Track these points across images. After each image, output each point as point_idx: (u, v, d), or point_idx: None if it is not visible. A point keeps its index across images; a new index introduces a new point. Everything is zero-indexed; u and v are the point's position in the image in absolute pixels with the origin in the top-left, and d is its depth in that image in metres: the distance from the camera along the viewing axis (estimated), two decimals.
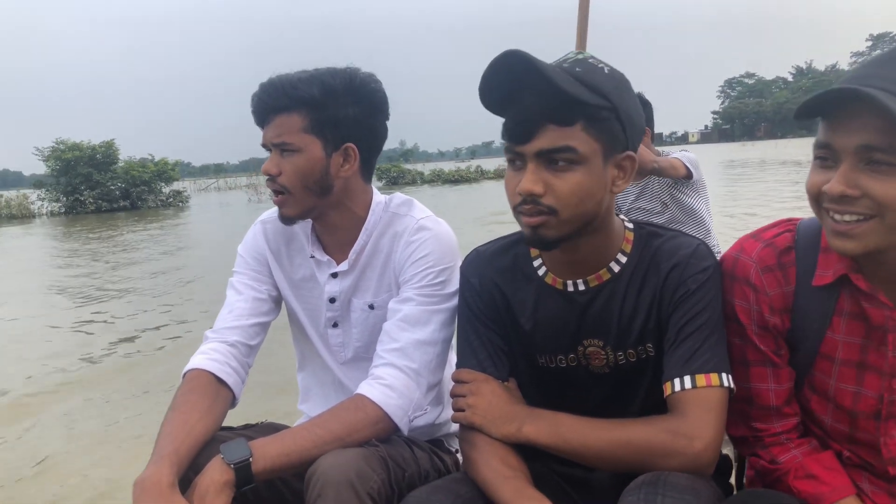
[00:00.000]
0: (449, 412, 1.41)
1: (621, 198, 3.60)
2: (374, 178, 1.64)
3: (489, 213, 14.75)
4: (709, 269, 1.23)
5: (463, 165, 43.63)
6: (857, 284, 1.14)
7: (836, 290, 1.18)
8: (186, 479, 1.24)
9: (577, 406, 1.27)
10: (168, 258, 11.69)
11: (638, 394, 1.33)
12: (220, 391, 1.44)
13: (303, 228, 1.62)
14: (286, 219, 1.52)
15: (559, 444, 1.21)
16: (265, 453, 1.25)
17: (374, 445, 1.31)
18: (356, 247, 1.56)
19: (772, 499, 1.12)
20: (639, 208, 3.55)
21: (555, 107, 1.10)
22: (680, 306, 1.23)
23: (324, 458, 1.23)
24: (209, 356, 1.47)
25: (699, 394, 1.17)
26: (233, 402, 1.49)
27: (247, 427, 1.51)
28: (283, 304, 1.70)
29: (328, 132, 1.46)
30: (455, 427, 1.59)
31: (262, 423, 1.58)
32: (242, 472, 1.22)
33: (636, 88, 1.25)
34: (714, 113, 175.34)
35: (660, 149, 3.45)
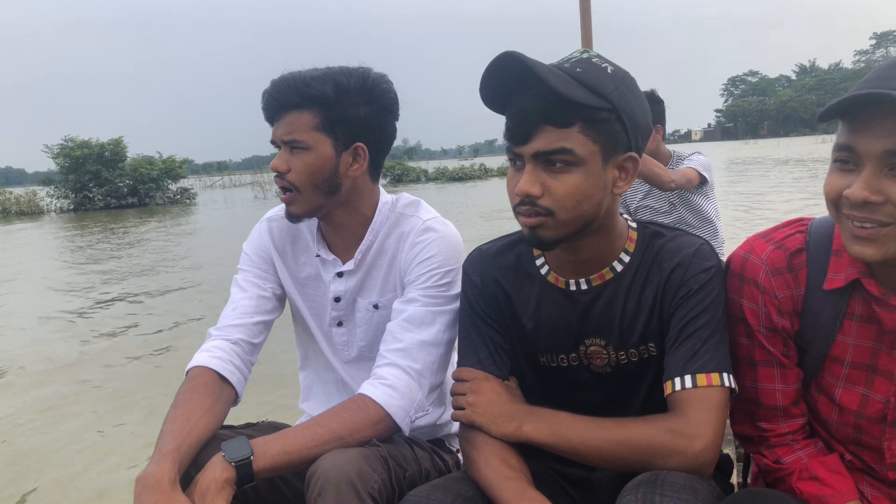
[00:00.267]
0: (450, 412, 1.41)
1: (629, 197, 3.59)
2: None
3: (495, 211, 14.75)
4: (711, 269, 1.22)
5: (466, 163, 43.44)
6: (870, 290, 1.12)
7: (847, 293, 1.17)
8: (188, 477, 1.24)
9: (578, 405, 1.26)
10: (193, 252, 11.65)
11: (639, 394, 1.32)
12: (223, 389, 1.44)
13: (308, 227, 1.62)
14: (293, 217, 1.52)
15: (559, 443, 1.20)
16: (266, 452, 1.25)
17: (375, 445, 1.31)
18: (362, 246, 1.56)
19: (770, 498, 1.11)
20: (647, 207, 3.54)
21: (551, 108, 1.10)
22: (682, 306, 1.22)
23: (324, 458, 1.23)
24: (212, 354, 1.47)
25: (700, 393, 1.16)
26: (235, 399, 1.50)
27: (248, 426, 1.51)
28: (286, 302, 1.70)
29: (339, 131, 1.45)
30: (456, 427, 1.59)
31: (263, 421, 1.58)
32: (243, 470, 1.22)
33: (642, 87, 1.24)
34: (717, 111, 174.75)
35: (669, 147, 3.45)
